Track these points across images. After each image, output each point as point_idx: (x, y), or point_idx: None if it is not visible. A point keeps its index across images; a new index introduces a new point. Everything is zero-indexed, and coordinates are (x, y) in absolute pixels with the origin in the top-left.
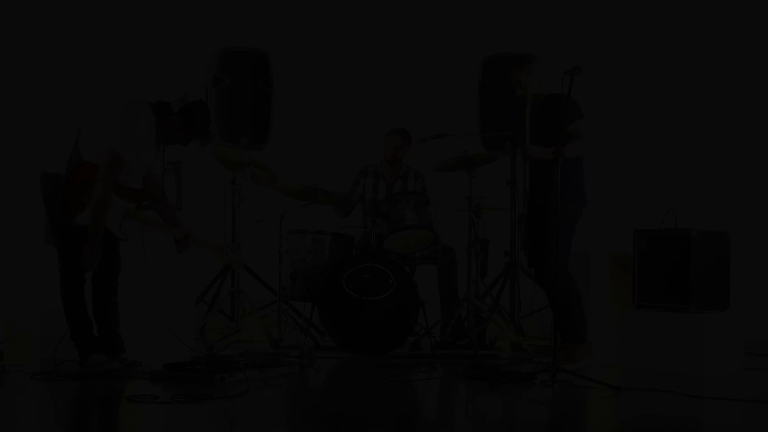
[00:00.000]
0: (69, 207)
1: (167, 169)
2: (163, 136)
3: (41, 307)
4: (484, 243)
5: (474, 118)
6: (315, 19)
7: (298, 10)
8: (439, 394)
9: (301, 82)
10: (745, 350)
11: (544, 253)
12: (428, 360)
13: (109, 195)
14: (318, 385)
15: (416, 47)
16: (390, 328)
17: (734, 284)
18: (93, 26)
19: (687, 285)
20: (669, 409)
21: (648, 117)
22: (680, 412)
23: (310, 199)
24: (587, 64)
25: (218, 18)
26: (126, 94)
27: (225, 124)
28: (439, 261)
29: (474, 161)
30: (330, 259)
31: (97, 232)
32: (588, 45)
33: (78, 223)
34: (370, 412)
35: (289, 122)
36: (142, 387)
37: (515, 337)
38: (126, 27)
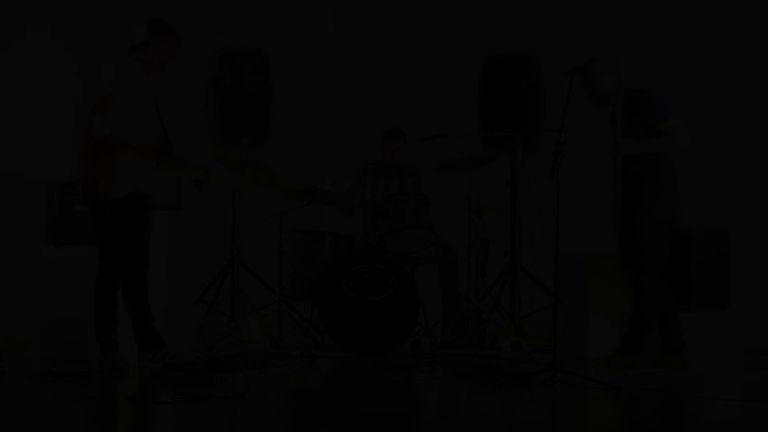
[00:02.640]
0: (90, 178)
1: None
2: (158, 67)
3: (41, 308)
4: (484, 243)
5: (474, 118)
6: (315, 19)
7: (298, 10)
8: (439, 394)
9: (301, 82)
10: (745, 350)
11: (641, 265)
12: (428, 360)
13: (124, 145)
14: (318, 385)
15: (416, 47)
16: (390, 329)
17: (734, 284)
18: (93, 27)
19: (687, 285)
20: (669, 409)
21: None
22: (680, 412)
23: (310, 199)
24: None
25: (218, 18)
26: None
27: (225, 124)
28: (439, 261)
29: (474, 161)
30: (330, 259)
31: (172, 167)
32: (588, 45)
33: (115, 194)
34: (370, 412)
35: (289, 122)
36: (142, 387)
37: (515, 337)
38: (128, 30)
